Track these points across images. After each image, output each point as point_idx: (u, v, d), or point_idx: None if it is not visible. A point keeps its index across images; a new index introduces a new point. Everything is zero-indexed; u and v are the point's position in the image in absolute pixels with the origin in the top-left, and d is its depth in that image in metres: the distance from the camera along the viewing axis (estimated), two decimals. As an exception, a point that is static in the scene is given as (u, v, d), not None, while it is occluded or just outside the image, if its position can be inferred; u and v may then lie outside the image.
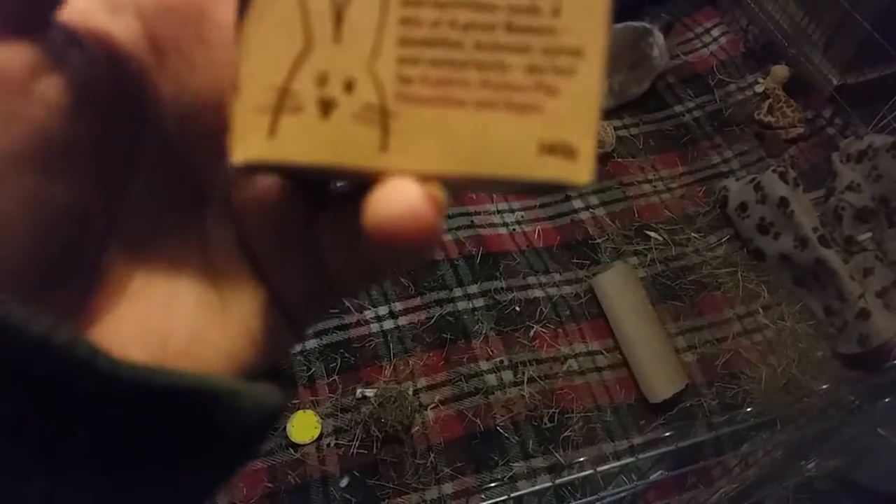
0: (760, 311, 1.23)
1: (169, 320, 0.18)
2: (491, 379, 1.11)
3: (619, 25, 1.43)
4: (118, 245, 0.18)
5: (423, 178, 0.16)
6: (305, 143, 0.16)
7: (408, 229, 0.14)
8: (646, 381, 1.10)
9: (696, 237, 1.30)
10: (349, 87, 0.16)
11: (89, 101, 0.16)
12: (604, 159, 1.37)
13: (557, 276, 1.23)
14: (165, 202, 0.19)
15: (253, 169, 0.17)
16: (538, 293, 1.20)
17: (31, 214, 0.15)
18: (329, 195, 0.19)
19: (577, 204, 1.32)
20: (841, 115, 1.39)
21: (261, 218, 0.19)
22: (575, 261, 1.25)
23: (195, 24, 0.17)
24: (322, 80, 0.16)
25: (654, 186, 1.36)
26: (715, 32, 1.54)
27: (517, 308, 1.18)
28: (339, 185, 0.20)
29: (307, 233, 0.19)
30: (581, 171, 0.16)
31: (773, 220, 1.23)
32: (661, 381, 1.09)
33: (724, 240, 1.30)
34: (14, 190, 0.15)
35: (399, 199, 0.15)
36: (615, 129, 1.39)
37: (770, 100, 1.41)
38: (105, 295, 0.18)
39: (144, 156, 0.18)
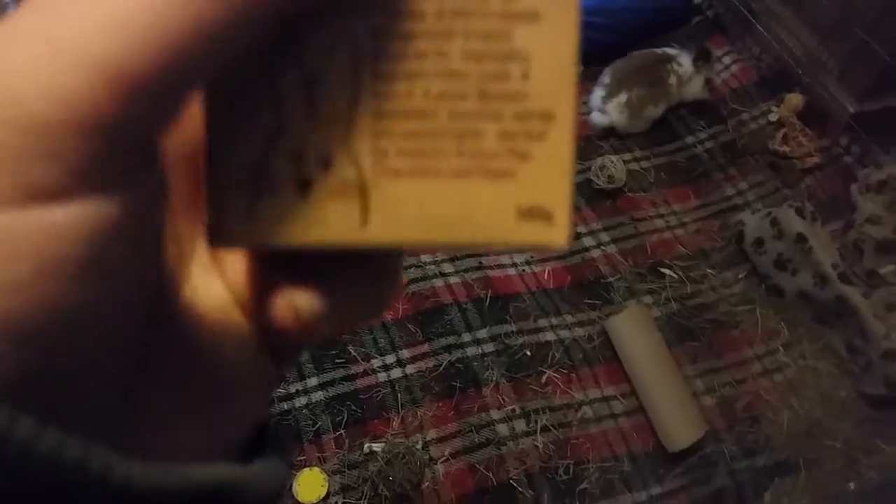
0: (780, 349, 1.19)
1: None
2: (503, 429, 1.07)
3: (640, 52, 1.40)
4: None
5: (405, 247, 0.16)
6: (285, 224, 0.16)
7: None
8: (664, 429, 1.06)
9: (711, 274, 1.26)
10: (325, 163, 0.16)
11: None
12: (614, 195, 1.33)
13: (569, 318, 1.19)
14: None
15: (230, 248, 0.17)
16: (550, 336, 1.17)
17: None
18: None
19: (589, 241, 1.28)
20: (858, 143, 1.36)
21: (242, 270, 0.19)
22: (587, 301, 1.22)
23: None
24: (297, 157, 0.16)
25: (667, 221, 1.32)
26: (726, 60, 1.50)
27: (528, 353, 1.15)
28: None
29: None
30: (558, 234, 0.16)
31: (790, 257, 1.19)
32: (680, 429, 1.06)
33: (740, 276, 1.26)
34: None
35: None
36: (625, 162, 1.35)
37: (785, 129, 1.37)
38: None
39: None
